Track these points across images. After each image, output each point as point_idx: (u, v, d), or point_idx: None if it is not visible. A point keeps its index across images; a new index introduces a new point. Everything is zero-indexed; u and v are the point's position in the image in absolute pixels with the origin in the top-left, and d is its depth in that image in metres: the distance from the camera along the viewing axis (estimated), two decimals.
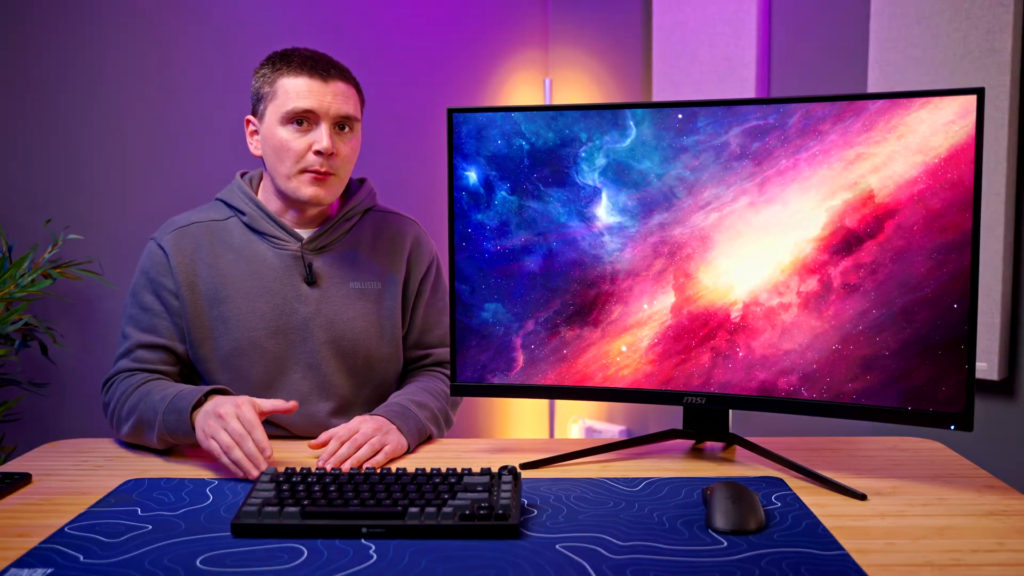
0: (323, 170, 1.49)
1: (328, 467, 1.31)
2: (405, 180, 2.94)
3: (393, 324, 1.61)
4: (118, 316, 1.64)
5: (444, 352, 1.68)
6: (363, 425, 1.41)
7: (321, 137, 1.48)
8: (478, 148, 1.37)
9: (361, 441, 1.38)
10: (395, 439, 1.42)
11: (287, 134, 1.49)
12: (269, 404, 1.35)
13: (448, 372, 1.67)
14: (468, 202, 1.38)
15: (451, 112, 1.37)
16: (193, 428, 1.36)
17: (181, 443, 1.41)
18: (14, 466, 1.38)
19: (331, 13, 2.78)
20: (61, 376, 2.44)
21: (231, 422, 1.30)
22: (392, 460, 1.41)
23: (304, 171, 1.50)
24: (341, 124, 1.52)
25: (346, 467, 1.33)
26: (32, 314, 2.27)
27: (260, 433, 1.29)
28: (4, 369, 2.30)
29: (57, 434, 2.08)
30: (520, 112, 1.35)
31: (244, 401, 1.33)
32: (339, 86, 1.50)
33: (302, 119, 1.48)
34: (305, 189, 1.50)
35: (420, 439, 1.49)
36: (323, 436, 1.39)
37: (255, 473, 1.26)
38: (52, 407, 2.44)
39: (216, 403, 1.34)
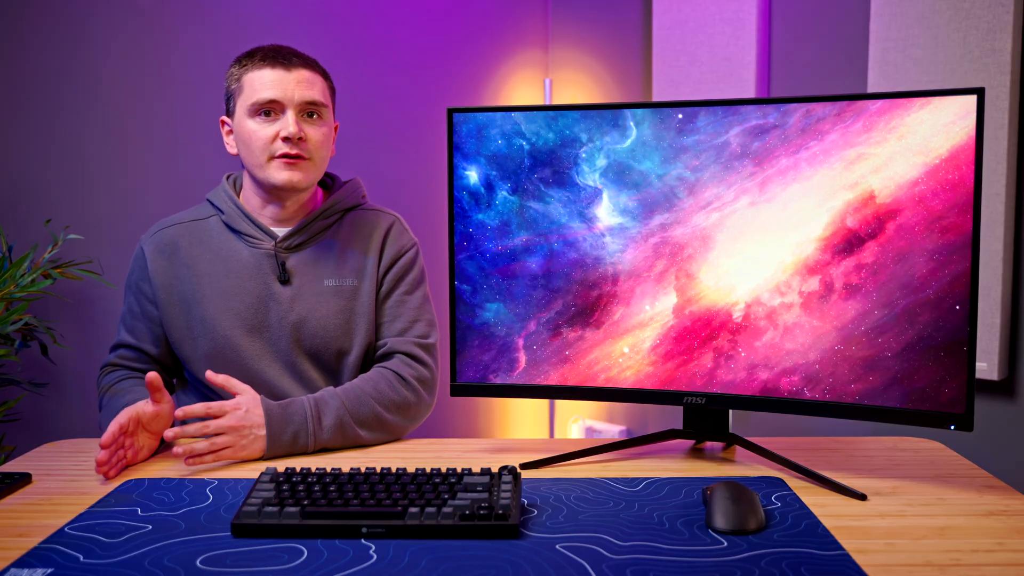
0: (293, 153, 1.52)
1: (180, 449, 1.33)
2: (405, 180, 2.94)
3: (368, 320, 1.60)
4: (118, 316, 1.66)
5: (400, 342, 1.58)
6: (231, 417, 1.38)
7: (287, 124, 1.51)
8: (478, 148, 1.37)
9: (210, 432, 1.36)
10: (246, 449, 1.39)
11: (255, 125, 1.53)
12: (140, 408, 1.37)
13: (406, 362, 1.57)
14: (469, 202, 1.38)
15: (451, 112, 1.37)
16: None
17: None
18: (14, 466, 1.38)
19: (331, 13, 2.78)
20: (61, 376, 2.44)
21: (104, 435, 1.32)
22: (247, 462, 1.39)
23: (273, 158, 1.52)
24: (309, 111, 1.54)
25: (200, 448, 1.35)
26: (32, 314, 2.27)
27: (101, 453, 1.31)
28: (4, 369, 2.30)
29: (57, 434, 2.07)
30: (520, 112, 1.35)
31: (122, 414, 1.35)
32: (303, 73, 1.53)
33: (269, 110, 1.52)
34: (278, 175, 1.53)
35: (296, 450, 1.42)
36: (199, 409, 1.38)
37: (110, 474, 1.31)
38: (52, 407, 2.43)
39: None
